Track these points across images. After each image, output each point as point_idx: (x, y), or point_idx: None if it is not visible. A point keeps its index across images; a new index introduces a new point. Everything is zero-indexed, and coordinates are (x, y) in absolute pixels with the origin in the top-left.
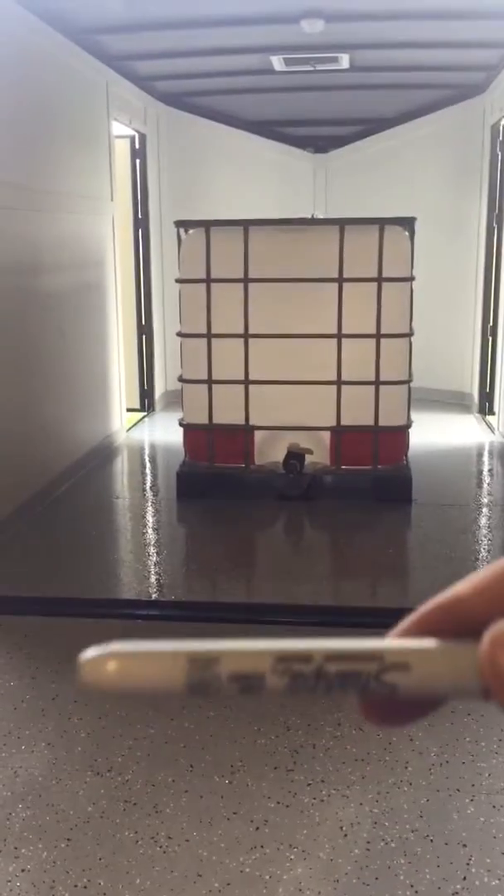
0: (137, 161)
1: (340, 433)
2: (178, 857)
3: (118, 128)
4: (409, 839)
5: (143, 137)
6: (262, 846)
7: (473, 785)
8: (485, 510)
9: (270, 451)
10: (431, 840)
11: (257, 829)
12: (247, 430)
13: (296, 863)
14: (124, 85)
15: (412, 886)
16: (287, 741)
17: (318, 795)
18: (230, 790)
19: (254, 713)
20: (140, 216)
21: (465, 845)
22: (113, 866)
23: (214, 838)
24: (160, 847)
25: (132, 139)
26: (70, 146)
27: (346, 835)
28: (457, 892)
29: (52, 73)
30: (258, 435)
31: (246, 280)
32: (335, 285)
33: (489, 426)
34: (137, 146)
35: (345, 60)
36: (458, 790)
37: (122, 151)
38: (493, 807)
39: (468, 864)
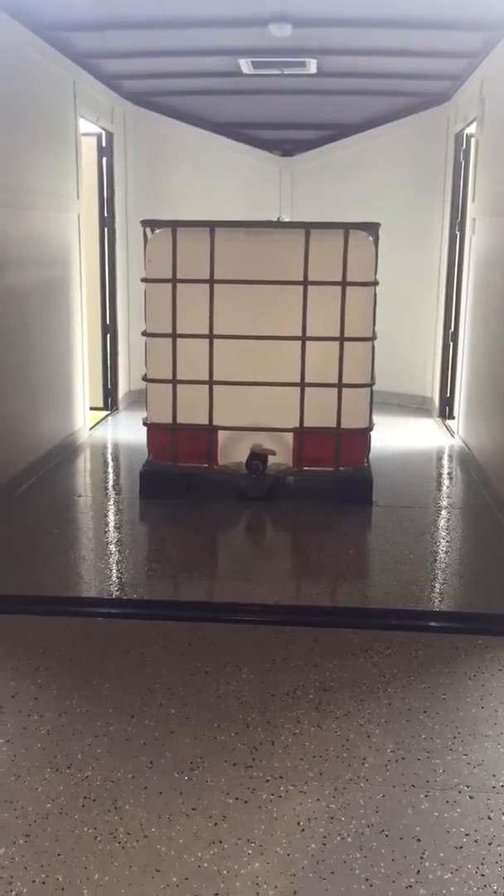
0: (104, 159)
1: (303, 434)
2: (137, 852)
3: (85, 125)
4: (364, 834)
5: (110, 136)
6: (220, 841)
7: (428, 781)
8: (444, 512)
9: (233, 452)
10: (386, 835)
11: (216, 824)
12: (210, 431)
13: (253, 857)
14: (92, 83)
15: (367, 880)
16: (246, 738)
17: (276, 791)
18: (189, 786)
19: (214, 711)
20: (106, 214)
21: (419, 840)
22: (71, 862)
23: (173, 834)
24: (119, 843)
25: (99, 137)
26: (36, 143)
27: (303, 830)
28: (410, 886)
29: (19, 68)
30: (221, 435)
31: (211, 281)
32: (300, 288)
33: (449, 430)
34: (104, 144)
35: (312, 65)
36: (413, 786)
37: (88, 149)
38: (447, 802)
39: (422, 858)
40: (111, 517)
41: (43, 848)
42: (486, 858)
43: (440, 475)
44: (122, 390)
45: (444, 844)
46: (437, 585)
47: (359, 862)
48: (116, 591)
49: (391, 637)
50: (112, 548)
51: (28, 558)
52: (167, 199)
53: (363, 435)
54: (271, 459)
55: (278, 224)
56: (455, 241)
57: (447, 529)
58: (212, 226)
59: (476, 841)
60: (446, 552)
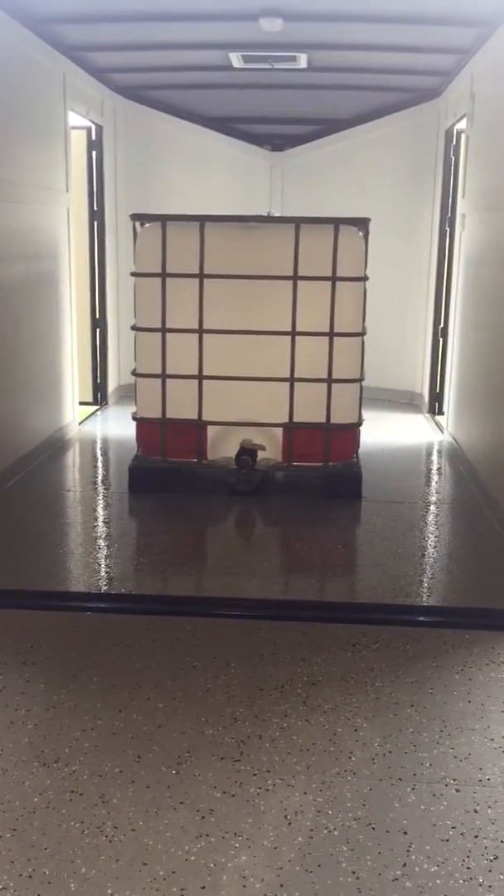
0: (94, 153)
1: (292, 430)
2: (124, 846)
3: (75, 118)
4: (351, 827)
5: (99, 129)
6: (207, 835)
7: (415, 774)
8: (432, 507)
9: (223, 447)
10: (373, 828)
11: (203, 818)
12: (200, 426)
13: (240, 851)
14: (81, 76)
15: (354, 873)
16: (234, 732)
17: (264, 785)
18: (177, 780)
19: (202, 705)
20: (95, 208)
21: (405, 833)
22: (58, 856)
23: (160, 827)
24: (106, 836)
25: (89, 130)
26: (25, 135)
27: (289, 823)
28: (397, 879)
29: (8, 61)
30: (211, 430)
31: (201, 276)
32: (290, 283)
33: (438, 425)
34: (94, 137)
35: (303, 60)
36: (400, 779)
37: (78, 142)
38: (434, 795)
39: (408, 851)
40: (100, 512)
41: (30, 842)
42: (472, 851)
43: (429, 470)
44: (111, 385)
45: (430, 837)
46: (426, 580)
47: (345, 855)
48: (105, 585)
49: (379, 631)
50: (101, 542)
51: (16, 553)
52: (157, 192)
53: (353, 430)
54: (261, 454)
55: (268, 219)
56: (445, 237)
57: (436, 524)
58: (202, 220)
59: (462, 834)
60: (435, 547)
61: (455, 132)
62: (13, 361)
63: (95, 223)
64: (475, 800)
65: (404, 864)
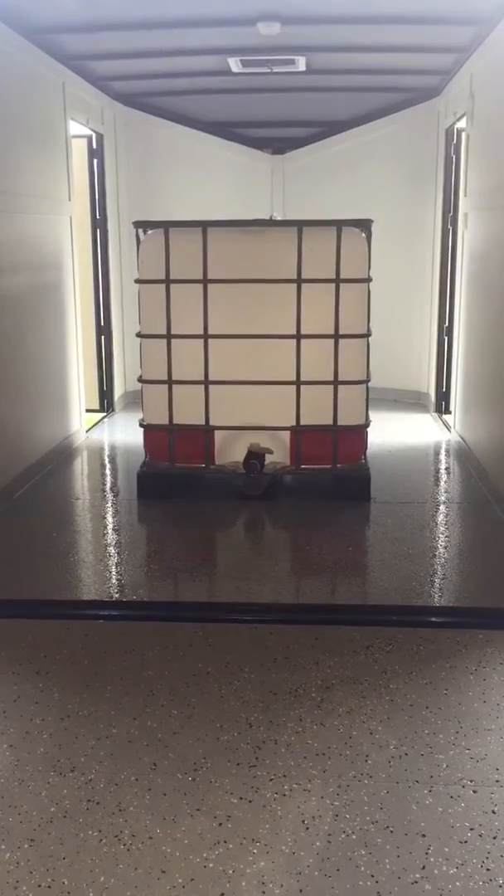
0: (95, 161)
1: (300, 433)
2: (142, 854)
3: (75, 127)
4: (369, 831)
5: (100, 137)
6: (225, 841)
7: (432, 776)
8: (442, 507)
9: (231, 451)
10: (391, 831)
11: (220, 824)
12: (207, 431)
13: (258, 857)
14: (81, 85)
15: (373, 877)
16: (249, 737)
17: (280, 790)
18: (193, 787)
19: (216, 711)
20: (98, 216)
21: (423, 835)
22: (77, 865)
23: (178, 835)
24: (124, 845)
25: (89, 139)
26: (26, 146)
27: (307, 828)
28: (416, 881)
29: (8, 71)
30: (218, 435)
31: (205, 281)
32: (294, 286)
33: (445, 425)
34: (95, 146)
35: (301, 63)
36: (417, 782)
37: (79, 151)
38: (451, 797)
39: (427, 853)
40: (109, 519)
41: (48, 852)
42: (490, 853)
43: (437, 470)
44: (117, 392)
45: (448, 839)
46: (437, 580)
47: (364, 859)
48: (116, 593)
49: (392, 633)
50: (111, 550)
51: (27, 562)
52: (159, 199)
53: (360, 432)
54: (269, 458)
55: (271, 222)
56: (448, 236)
57: (446, 524)
58: (204, 226)
59: (481, 835)
60: (445, 547)
61: (455, 131)
62: (20, 371)
63: (98, 231)
64: (493, 800)
65: (423, 867)
